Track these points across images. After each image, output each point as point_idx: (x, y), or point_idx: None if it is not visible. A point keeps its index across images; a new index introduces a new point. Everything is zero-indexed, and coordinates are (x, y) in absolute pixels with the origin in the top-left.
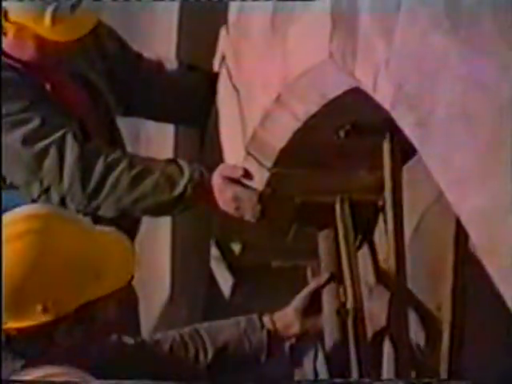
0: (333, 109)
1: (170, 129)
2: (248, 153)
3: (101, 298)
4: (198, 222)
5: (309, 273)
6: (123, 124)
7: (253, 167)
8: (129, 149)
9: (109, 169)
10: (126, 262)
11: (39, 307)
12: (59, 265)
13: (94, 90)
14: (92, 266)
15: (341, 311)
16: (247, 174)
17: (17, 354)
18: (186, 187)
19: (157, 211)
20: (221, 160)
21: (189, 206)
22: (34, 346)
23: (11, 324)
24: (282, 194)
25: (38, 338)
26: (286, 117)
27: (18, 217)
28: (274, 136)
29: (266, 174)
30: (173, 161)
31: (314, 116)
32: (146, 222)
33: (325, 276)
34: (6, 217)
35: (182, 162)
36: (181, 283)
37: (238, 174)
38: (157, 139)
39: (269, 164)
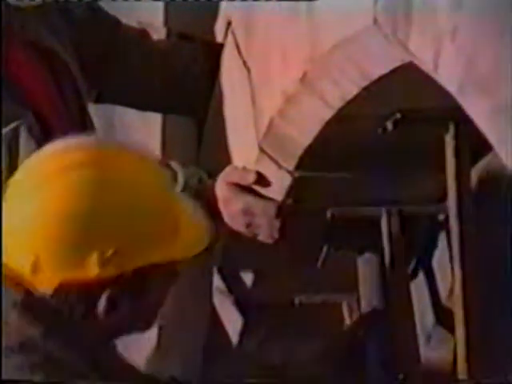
0: (377, 92)
1: (156, 118)
2: (262, 151)
3: (164, 265)
4: None
5: (345, 311)
6: (93, 111)
7: (269, 170)
8: None
9: None
10: (202, 224)
11: (95, 256)
12: (125, 204)
13: (58, 66)
14: (169, 218)
15: (389, 362)
16: (261, 180)
17: (38, 318)
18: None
19: None
20: (226, 161)
21: None
22: (67, 311)
23: (58, 274)
24: (308, 206)
25: (77, 302)
26: (313, 103)
27: (68, 146)
28: (297, 128)
29: (287, 180)
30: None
31: (351, 102)
32: None
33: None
34: (48, 148)
35: (174, 164)
36: (172, 324)
37: (250, 179)
38: (138, 132)
39: (290, 166)
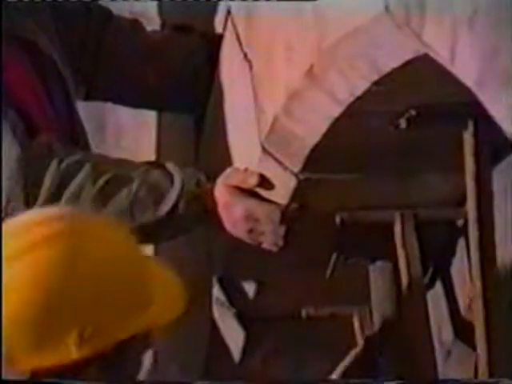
0: (390, 87)
1: (150, 116)
2: (265, 151)
3: (139, 334)
4: (194, 251)
5: (356, 324)
6: (82, 109)
7: (273, 172)
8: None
9: (65, 176)
10: (175, 289)
11: (74, 336)
12: (101, 278)
13: (45, 62)
14: (141, 286)
15: (404, 381)
16: (265, 183)
17: None
18: (177, 202)
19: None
20: (226, 163)
21: (181, 230)
22: None
23: (33, 361)
24: (315, 211)
25: None
26: (320, 98)
27: (35, 221)
28: (303, 126)
29: (293, 182)
30: (157, 164)
31: (361, 97)
32: None
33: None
34: (14, 224)
35: (170, 166)
36: (168, 339)
37: (252, 182)
38: (132, 131)
39: (296, 167)
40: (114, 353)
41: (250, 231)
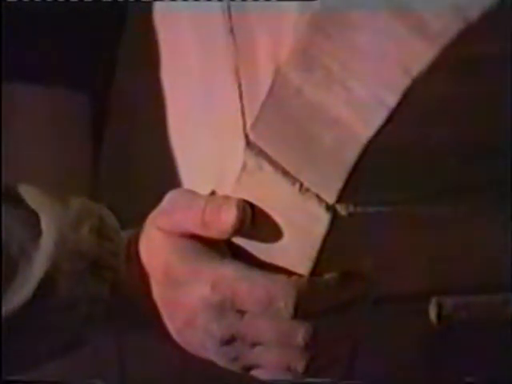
0: None
1: None
2: (257, 152)
3: None
4: None
5: None
6: None
7: (276, 200)
8: None
9: None
10: None
11: None
12: None
13: None
14: None
15: None
16: (257, 225)
17: None
18: (48, 282)
19: None
20: (166, 181)
21: (59, 346)
22: None
23: None
24: (377, 290)
25: None
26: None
27: None
28: (342, 94)
29: (322, 223)
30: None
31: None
32: None
33: None
34: None
35: (31, 195)
36: None
37: (226, 223)
38: None
39: (330, 190)
40: None
41: (227, 340)
